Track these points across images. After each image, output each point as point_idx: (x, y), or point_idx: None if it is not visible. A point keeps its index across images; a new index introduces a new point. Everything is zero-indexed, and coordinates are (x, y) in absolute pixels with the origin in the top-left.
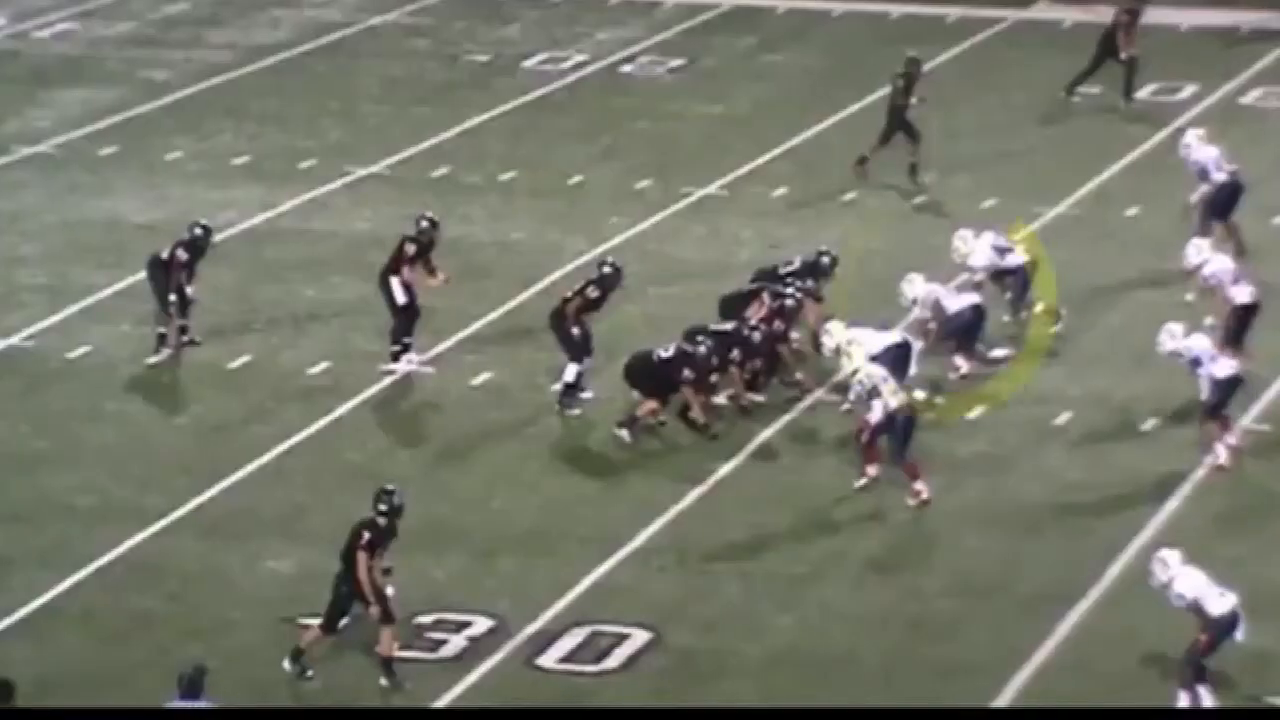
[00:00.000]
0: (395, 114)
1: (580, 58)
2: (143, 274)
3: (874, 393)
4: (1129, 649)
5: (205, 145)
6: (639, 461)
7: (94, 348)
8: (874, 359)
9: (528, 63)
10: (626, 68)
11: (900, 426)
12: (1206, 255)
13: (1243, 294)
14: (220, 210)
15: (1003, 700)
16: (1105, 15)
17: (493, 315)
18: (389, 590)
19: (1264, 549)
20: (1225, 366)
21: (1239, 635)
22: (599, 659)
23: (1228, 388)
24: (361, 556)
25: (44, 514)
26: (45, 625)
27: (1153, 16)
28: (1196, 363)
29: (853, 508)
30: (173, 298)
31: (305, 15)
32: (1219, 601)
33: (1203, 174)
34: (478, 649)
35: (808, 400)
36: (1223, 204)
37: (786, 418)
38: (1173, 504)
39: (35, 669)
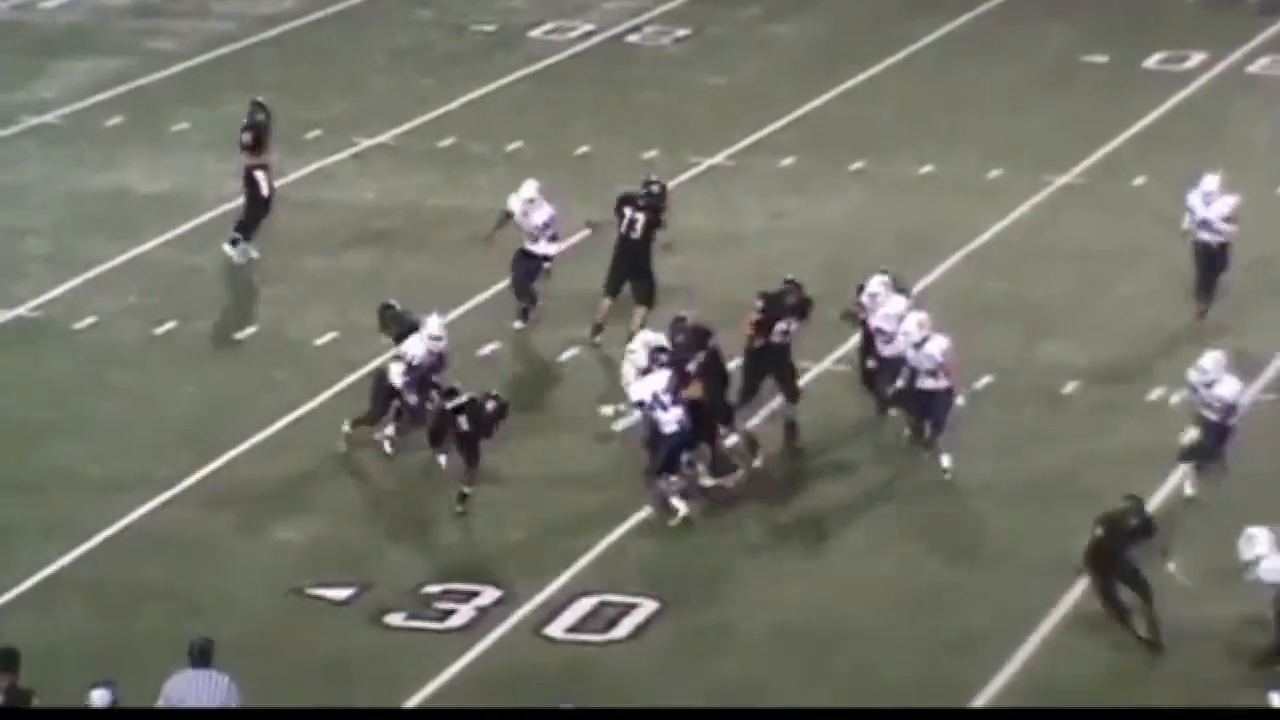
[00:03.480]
0: (401, 84)
1: (587, 27)
2: (149, 244)
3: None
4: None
5: (212, 116)
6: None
7: (100, 319)
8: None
9: (534, 33)
10: (633, 38)
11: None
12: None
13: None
14: (227, 181)
15: (1011, 668)
16: None
17: (499, 285)
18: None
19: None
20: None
21: None
22: (607, 628)
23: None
24: None
25: (50, 484)
26: (51, 596)
27: None
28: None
29: (862, 480)
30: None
31: None
32: None
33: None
34: (486, 619)
35: (816, 370)
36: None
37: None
38: (1178, 474)
39: (41, 639)
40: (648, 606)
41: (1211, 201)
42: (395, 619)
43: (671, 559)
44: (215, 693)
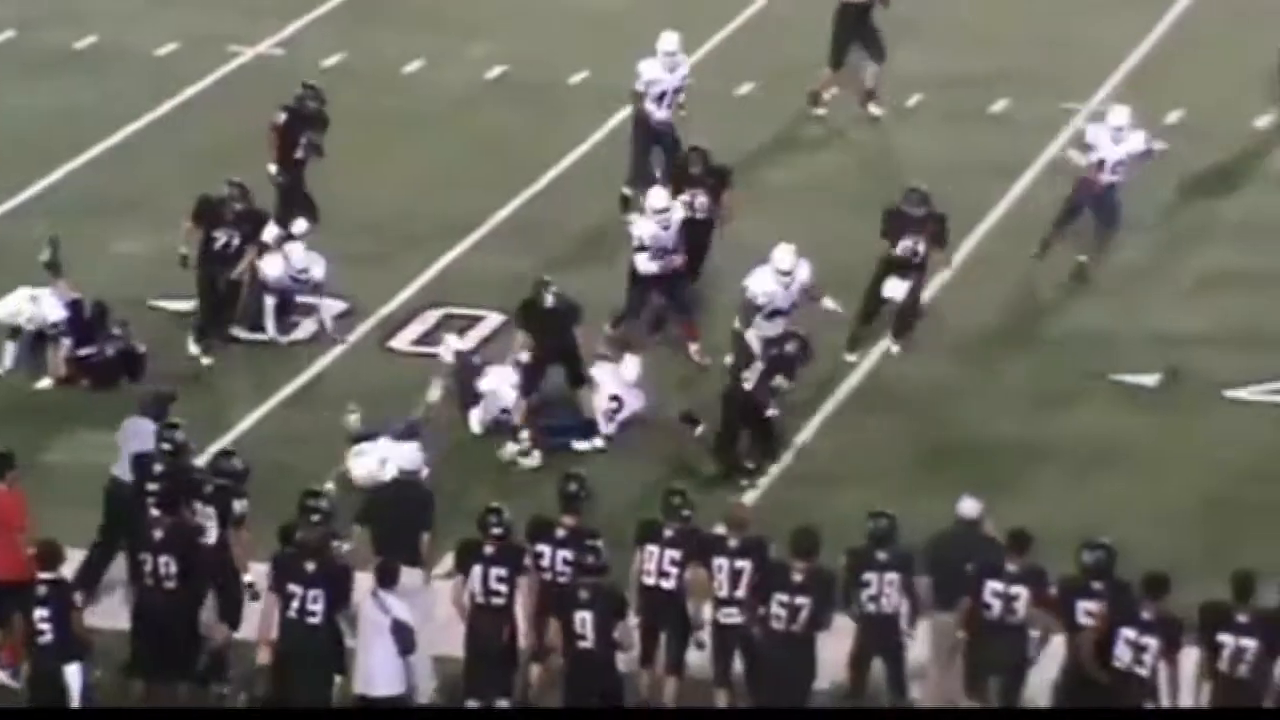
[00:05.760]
0: None
1: None
2: None
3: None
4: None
5: None
6: (499, 140)
7: None
8: None
9: None
10: None
11: None
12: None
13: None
14: None
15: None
16: None
17: None
18: None
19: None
20: None
21: None
22: None
23: None
24: None
25: None
26: None
27: None
28: None
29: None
30: None
31: None
32: None
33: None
34: (330, 332)
35: None
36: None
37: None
38: (1021, 184)
39: None
40: (494, 319)
41: (1121, 140)
42: (241, 332)
43: (517, 271)
44: (125, 437)
